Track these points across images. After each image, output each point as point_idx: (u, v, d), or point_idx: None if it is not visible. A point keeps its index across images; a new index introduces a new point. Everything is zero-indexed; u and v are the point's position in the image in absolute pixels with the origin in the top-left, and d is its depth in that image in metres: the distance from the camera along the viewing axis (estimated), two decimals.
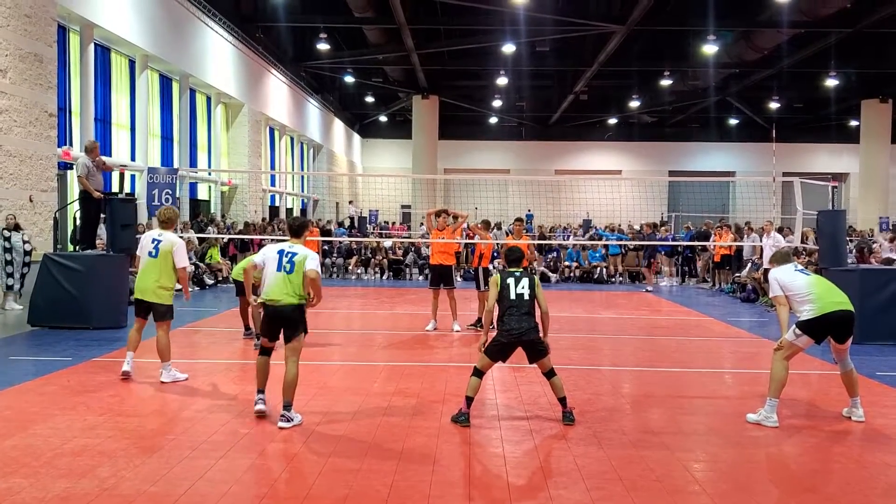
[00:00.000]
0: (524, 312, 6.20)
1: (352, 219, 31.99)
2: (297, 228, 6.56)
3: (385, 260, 21.52)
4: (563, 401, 6.31)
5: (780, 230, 17.95)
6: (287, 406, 6.07)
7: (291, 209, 33.80)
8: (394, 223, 33.60)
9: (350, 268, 21.38)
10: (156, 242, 7.62)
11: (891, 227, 25.87)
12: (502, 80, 33.01)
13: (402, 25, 24.18)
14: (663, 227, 23.87)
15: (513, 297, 6.24)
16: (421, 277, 20.90)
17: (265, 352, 6.36)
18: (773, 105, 37.98)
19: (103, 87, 17.84)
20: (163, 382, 7.42)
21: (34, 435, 5.68)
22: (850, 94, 35.56)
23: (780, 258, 6.85)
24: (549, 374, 6.32)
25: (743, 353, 10.07)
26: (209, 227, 20.45)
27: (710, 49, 26.23)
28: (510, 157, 45.31)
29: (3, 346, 9.54)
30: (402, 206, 34.72)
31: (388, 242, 22.63)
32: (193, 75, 21.43)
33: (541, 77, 36.19)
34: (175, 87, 21.59)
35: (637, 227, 25.67)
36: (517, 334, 6.15)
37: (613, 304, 15.97)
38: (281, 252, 6.27)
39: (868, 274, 10.95)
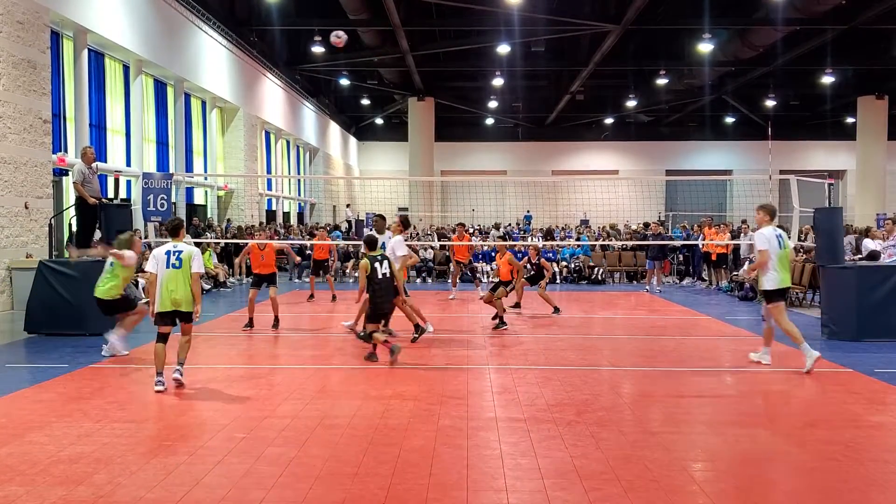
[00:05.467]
0: (388, 288, 9.00)
1: (349, 222, 31.98)
2: (172, 229, 7.64)
3: None
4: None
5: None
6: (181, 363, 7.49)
7: (288, 213, 33.78)
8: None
9: (347, 271, 21.35)
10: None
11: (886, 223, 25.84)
12: (498, 81, 33.01)
13: (396, 27, 24.21)
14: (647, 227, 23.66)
15: (379, 277, 8.85)
16: (419, 280, 20.87)
17: (162, 338, 7.44)
18: (770, 103, 38.05)
19: (97, 92, 17.82)
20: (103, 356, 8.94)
21: (30, 442, 5.66)
22: (847, 91, 35.62)
23: (771, 212, 8.04)
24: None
25: (741, 351, 10.03)
26: (207, 233, 20.42)
27: (705, 47, 26.28)
28: (507, 159, 45.31)
29: None
30: (399, 209, 34.70)
31: None
32: (188, 80, 21.42)
33: (536, 77, 36.21)
34: (170, 91, 21.58)
35: (633, 227, 25.58)
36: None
37: (611, 304, 15.96)
38: (168, 252, 7.33)
39: (865, 271, 10.95)
